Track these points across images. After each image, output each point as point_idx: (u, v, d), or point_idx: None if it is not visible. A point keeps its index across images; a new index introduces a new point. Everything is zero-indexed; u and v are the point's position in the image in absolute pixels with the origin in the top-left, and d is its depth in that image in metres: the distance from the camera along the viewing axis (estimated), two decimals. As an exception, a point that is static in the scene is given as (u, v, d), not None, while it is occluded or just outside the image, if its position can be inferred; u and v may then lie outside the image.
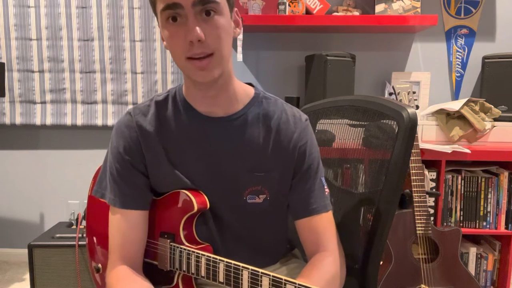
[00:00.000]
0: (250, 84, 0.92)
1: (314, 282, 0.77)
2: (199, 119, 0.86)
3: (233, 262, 0.77)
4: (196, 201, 0.83)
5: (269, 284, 0.71)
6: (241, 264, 0.76)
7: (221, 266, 0.78)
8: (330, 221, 0.89)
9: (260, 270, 0.73)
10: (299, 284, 0.68)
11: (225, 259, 0.78)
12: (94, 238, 1.06)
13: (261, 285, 0.73)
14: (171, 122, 0.87)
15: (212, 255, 0.80)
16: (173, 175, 0.86)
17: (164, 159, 0.86)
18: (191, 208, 0.83)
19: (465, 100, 1.85)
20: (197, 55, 0.74)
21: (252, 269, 0.74)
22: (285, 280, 0.70)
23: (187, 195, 0.84)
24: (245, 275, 0.75)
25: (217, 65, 0.77)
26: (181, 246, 0.85)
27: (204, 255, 0.81)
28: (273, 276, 0.71)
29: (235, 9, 0.83)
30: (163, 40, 0.81)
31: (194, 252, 0.82)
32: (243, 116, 0.87)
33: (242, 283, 0.75)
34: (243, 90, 0.89)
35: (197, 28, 0.72)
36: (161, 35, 0.81)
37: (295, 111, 0.91)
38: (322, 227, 0.87)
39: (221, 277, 0.79)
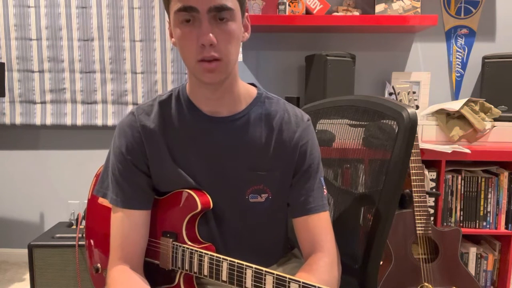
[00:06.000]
0: (252, 84, 0.93)
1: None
2: (202, 119, 0.86)
3: (236, 261, 0.77)
4: (200, 200, 0.84)
5: (273, 283, 0.72)
6: (245, 263, 0.76)
7: (225, 265, 0.79)
8: (327, 221, 0.89)
9: (264, 269, 0.73)
10: (303, 283, 0.68)
11: (228, 258, 0.78)
12: (94, 239, 1.06)
13: (264, 284, 0.73)
14: (174, 121, 0.87)
15: (215, 254, 0.80)
16: (176, 174, 0.86)
17: (168, 158, 0.86)
18: (194, 207, 0.84)
19: (465, 100, 1.85)
20: (207, 58, 0.75)
21: (255, 268, 0.74)
22: (289, 278, 0.70)
23: (190, 194, 0.85)
24: (249, 274, 0.75)
25: (224, 70, 0.78)
26: (184, 245, 0.85)
27: (207, 254, 0.81)
28: (277, 274, 0.71)
29: (246, 14, 0.84)
30: (171, 37, 0.83)
31: (197, 251, 0.83)
32: (246, 116, 0.87)
33: (245, 282, 0.76)
34: (246, 90, 0.90)
35: (210, 33, 0.73)
36: (170, 32, 0.82)
37: (297, 111, 0.92)
38: (319, 226, 0.88)
39: (224, 276, 0.79)
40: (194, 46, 0.75)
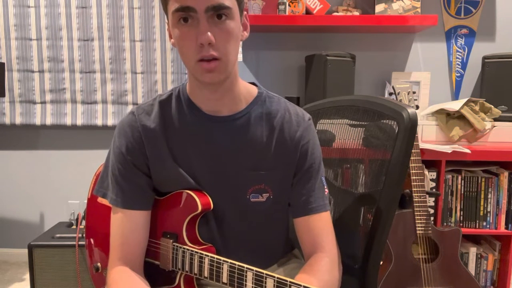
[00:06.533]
0: (253, 83, 0.93)
1: (312, 284, 0.77)
2: (202, 118, 0.86)
3: (237, 263, 0.77)
4: (201, 201, 0.84)
5: (274, 286, 0.71)
6: (245, 265, 0.76)
7: (225, 267, 0.78)
8: (328, 221, 0.89)
9: (265, 272, 0.73)
10: (304, 287, 0.68)
11: (229, 260, 0.78)
12: (94, 238, 1.06)
13: (265, 287, 0.72)
14: (175, 121, 0.87)
15: (215, 256, 0.80)
16: (176, 174, 0.86)
17: (168, 158, 0.86)
18: (195, 208, 0.84)
19: (465, 100, 1.85)
20: (206, 57, 0.75)
21: (256, 271, 0.74)
22: (290, 282, 0.69)
23: (191, 195, 0.84)
24: (249, 276, 0.75)
25: (224, 70, 0.78)
26: (184, 246, 0.85)
27: (207, 255, 0.81)
28: (277, 277, 0.71)
29: (245, 12, 0.84)
30: (170, 38, 0.83)
31: (197, 252, 0.82)
32: (246, 115, 0.87)
33: (246, 284, 0.75)
34: (247, 89, 0.90)
35: (208, 32, 0.73)
36: (169, 33, 0.82)
37: (298, 110, 0.92)
38: (320, 226, 0.88)
39: (224, 278, 0.79)
40: (193, 45, 0.75)
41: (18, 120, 2.30)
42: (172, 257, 0.86)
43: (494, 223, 1.81)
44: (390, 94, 1.73)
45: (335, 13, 2.07)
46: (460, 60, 2.20)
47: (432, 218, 1.80)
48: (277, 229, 0.96)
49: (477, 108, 1.86)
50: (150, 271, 0.89)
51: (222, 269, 0.79)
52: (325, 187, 0.91)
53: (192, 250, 0.83)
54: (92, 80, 2.28)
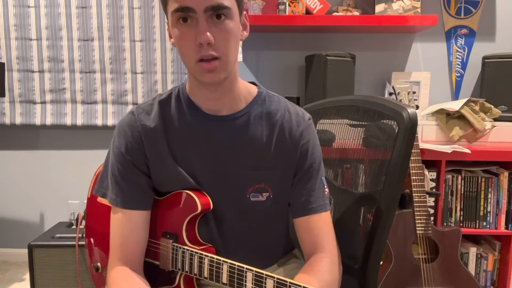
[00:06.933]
0: (253, 83, 0.93)
1: (312, 284, 0.77)
2: (202, 118, 0.86)
3: (237, 263, 0.77)
4: (200, 202, 0.84)
5: (274, 287, 0.71)
6: (245, 266, 0.76)
7: (225, 267, 0.78)
8: (328, 221, 0.89)
9: (265, 272, 0.73)
10: (303, 287, 0.68)
11: (229, 260, 0.78)
12: (94, 237, 1.06)
13: (265, 287, 0.72)
14: (174, 121, 0.87)
15: (215, 256, 0.80)
16: (176, 173, 0.86)
17: (168, 157, 0.86)
18: (194, 208, 0.84)
19: (465, 100, 1.85)
20: (206, 57, 0.75)
21: (256, 271, 0.74)
22: (290, 282, 0.69)
23: (190, 195, 0.84)
24: (249, 277, 0.75)
25: (223, 70, 0.78)
26: (184, 247, 0.84)
27: (207, 256, 0.81)
28: (277, 278, 0.71)
29: (244, 12, 0.84)
30: (170, 38, 0.83)
31: (197, 252, 0.82)
32: (246, 114, 0.87)
33: (245, 285, 0.75)
34: (246, 89, 0.90)
35: (207, 32, 0.73)
36: (169, 33, 0.82)
37: (298, 110, 0.92)
38: (320, 226, 0.88)
39: (224, 278, 0.79)
40: (192, 45, 0.75)
41: (18, 120, 2.30)
42: (172, 257, 0.86)
43: (494, 223, 1.81)
44: (390, 94, 1.73)
45: (335, 13, 2.07)
46: (460, 60, 2.20)
47: (432, 218, 1.80)
48: (277, 229, 0.96)
49: (477, 108, 1.86)
50: (150, 271, 0.89)
51: (222, 270, 0.79)
52: (325, 187, 0.91)
53: (192, 251, 0.83)
54: (92, 80, 2.28)
